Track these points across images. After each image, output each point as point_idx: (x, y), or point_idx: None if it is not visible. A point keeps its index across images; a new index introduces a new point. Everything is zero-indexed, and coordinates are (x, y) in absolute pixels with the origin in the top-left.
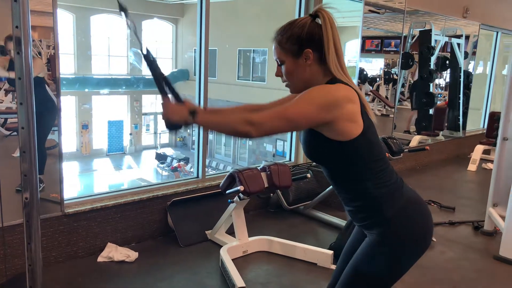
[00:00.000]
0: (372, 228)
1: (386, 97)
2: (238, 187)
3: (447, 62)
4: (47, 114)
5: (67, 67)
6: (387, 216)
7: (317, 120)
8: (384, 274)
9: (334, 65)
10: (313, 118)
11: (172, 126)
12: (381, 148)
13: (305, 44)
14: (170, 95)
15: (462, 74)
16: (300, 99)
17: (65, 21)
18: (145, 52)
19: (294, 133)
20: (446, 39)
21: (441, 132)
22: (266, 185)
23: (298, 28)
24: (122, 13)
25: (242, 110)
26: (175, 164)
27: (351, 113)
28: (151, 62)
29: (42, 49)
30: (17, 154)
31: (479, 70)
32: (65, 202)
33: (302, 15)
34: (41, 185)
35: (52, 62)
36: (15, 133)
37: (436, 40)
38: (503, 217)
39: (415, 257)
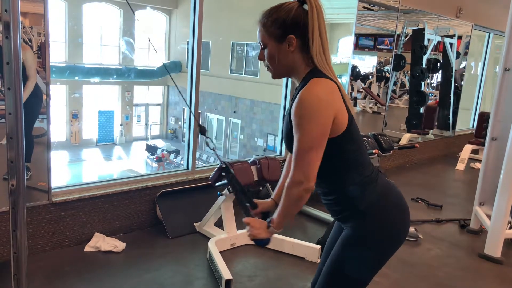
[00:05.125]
0: (347, 221)
1: (378, 95)
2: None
3: (438, 64)
4: (34, 101)
5: (58, 55)
6: (361, 209)
7: (329, 126)
8: (360, 267)
9: (318, 54)
10: (324, 128)
11: (263, 242)
12: (361, 141)
13: (289, 30)
14: (248, 205)
15: (453, 73)
16: (299, 128)
17: (56, 8)
18: (224, 165)
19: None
20: (439, 38)
21: (431, 130)
22: (255, 178)
23: (284, 12)
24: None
25: (284, 180)
26: (159, 153)
27: (339, 103)
28: (232, 177)
29: (33, 36)
30: (4, 141)
31: (471, 70)
32: (52, 190)
33: None
34: (28, 173)
35: (42, 50)
36: (2, 120)
37: (429, 39)
38: (489, 216)
39: (391, 250)
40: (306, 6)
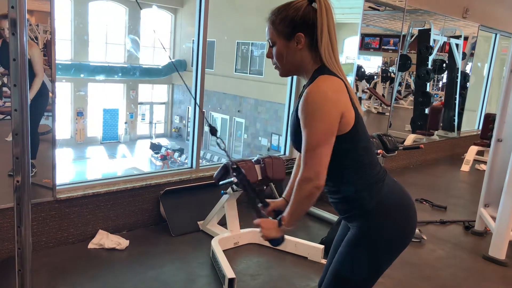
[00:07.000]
0: (353, 220)
1: (383, 95)
2: (232, 179)
3: (444, 65)
4: (40, 98)
5: (63, 52)
6: (368, 208)
7: (336, 123)
8: (366, 268)
9: (326, 52)
10: (331, 125)
11: (276, 242)
12: (369, 140)
13: (298, 28)
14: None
15: (459, 75)
16: (306, 126)
17: (62, 6)
18: (234, 165)
19: (289, 128)
20: (445, 39)
21: (436, 131)
22: (259, 177)
23: (293, 10)
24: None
25: (294, 178)
26: (163, 152)
27: (346, 101)
28: (242, 178)
29: (39, 33)
30: (10, 138)
31: (476, 71)
32: (57, 187)
33: None
34: (33, 170)
35: (48, 47)
36: (8, 117)
37: (434, 40)
38: (494, 218)
39: (396, 251)
40: (315, 5)
